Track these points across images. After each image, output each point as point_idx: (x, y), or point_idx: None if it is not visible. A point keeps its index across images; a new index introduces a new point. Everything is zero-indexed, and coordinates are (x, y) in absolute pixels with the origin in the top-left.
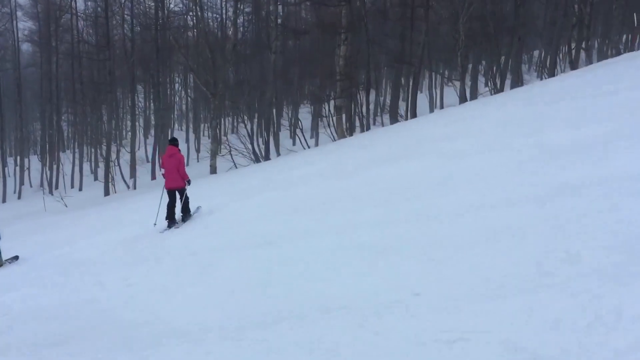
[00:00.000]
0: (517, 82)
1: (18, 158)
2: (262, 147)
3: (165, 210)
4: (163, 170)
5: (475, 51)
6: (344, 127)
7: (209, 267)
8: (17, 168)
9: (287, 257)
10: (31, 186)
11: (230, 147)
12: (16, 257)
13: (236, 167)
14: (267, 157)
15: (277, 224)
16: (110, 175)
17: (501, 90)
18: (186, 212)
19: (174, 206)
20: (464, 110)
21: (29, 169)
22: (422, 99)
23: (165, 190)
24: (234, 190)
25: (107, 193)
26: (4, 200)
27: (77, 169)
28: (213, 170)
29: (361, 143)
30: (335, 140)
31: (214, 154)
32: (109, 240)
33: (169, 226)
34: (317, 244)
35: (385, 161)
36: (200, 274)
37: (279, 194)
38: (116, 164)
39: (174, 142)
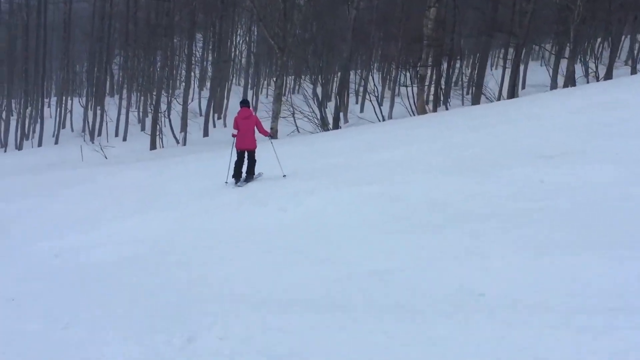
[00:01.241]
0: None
1: (61, 100)
2: (325, 110)
3: (233, 169)
4: (236, 132)
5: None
6: (425, 100)
7: None
8: (59, 110)
9: None
10: (72, 131)
11: (294, 108)
12: None
13: (299, 132)
14: (336, 125)
15: (396, 254)
16: (158, 127)
17: (609, 76)
18: (251, 174)
19: (242, 166)
20: (591, 93)
21: (71, 111)
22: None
23: (235, 150)
24: (307, 171)
25: (153, 147)
26: (39, 144)
27: (122, 117)
28: (274, 134)
29: (463, 123)
30: (415, 115)
31: (276, 115)
32: (136, 234)
33: (236, 183)
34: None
35: (533, 157)
36: None
37: (379, 190)
38: (166, 115)
39: (246, 103)
